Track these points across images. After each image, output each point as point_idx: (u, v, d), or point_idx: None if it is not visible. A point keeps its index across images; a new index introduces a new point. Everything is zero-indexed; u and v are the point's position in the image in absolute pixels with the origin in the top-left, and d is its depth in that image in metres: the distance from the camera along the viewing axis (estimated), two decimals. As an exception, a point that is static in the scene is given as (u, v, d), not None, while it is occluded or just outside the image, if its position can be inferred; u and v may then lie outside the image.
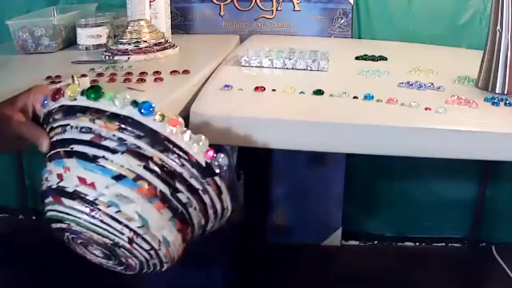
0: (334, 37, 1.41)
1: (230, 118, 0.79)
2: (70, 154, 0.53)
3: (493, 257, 1.52)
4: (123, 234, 0.52)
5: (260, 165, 0.94)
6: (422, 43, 1.36)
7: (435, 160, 0.82)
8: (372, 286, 1.46)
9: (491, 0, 0.90)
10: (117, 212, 0.51)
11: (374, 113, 0.81)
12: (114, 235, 0.52)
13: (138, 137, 0.52)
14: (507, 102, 0.84)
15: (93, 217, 0.51)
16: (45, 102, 0.57)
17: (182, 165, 0.53)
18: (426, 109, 0.81)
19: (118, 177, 0.51)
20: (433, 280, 1.46)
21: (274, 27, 1.43)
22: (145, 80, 0.94)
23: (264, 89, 0.90)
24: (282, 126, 0.79)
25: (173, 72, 0.99)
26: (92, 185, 0.51)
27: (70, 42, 1.27)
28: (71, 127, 0.54)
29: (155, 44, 1.13)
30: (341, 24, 1.40)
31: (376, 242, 1.62)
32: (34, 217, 1.68)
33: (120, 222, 0.51)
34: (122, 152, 0.51)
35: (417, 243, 1.62)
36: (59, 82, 0.89)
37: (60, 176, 0.54)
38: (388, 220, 1.59)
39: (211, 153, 0.55)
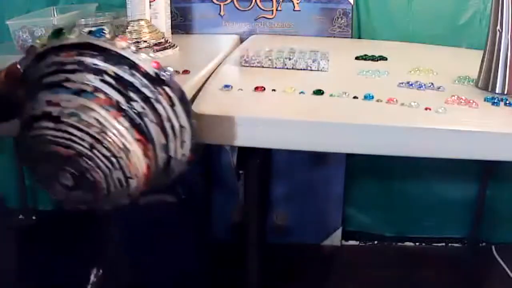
0: (334, 37, 1.41)
1: (230, 118, 0.79)
2: (41, 88, 0.60)
3: (493, 257, 1.52)
4: (84, 141, 0.57)
5: (260, 165, 0.94)
6: (422, 43, 1.35)
7: (435, 160, 0.82)
8: (372, 286, 1.46)
9: (491, 0, 0.90)
10: (78, 120, 0.57)
11: (374, 113, 0.81)
12: (76, 143, 0.57)
13: (93, 56, 0.59)
14: (507, 102, 0.84)
15: (59, 130, 0.57)
16: (22, 61, 0.65)
17: (133, 75, 0.59)
18: (426, 109, 0.81)
19: (79, 92, 0.58)
20: (433, 280, 1.46)
21: (274, 27, 1.43)
22: (145, 80, 0.94)
23: (264, 89, 0.90)
24: (282, 126, 0.79)
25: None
26: (57, 104, 0.58)
27: (70, 42, 1.27)
28: (40, 68, 0.61)
29: (155, 44, 1.13)
30: (341, 24, 1.40)
31: (376, 242, 1.62)
32: (34, 217, 1.68)
33: (81, 130, 0.57)
34: (81, 71, 0.59)
35: (417, 243, 1.62)
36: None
37: (32, 109, 0.60)
38: (388, 220, 1.59)
39: (155, 64, 0.62)
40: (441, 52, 1.28)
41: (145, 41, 1.11)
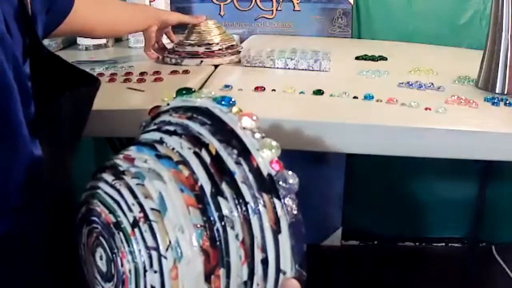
0: (334, 37, 1.41)
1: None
2: (133, 144, 0.49)
3: (493, 257, 1.53)
4: (131, 211, 0.42)
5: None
6: (422, 43, 1.36)
7: (435, 160, 0.82)
8: (372, 286, 1.46)
9: (491, 0, 0.90)
10: (137, 184, 0.43)
11: (374, 113, 0.81)
12: (122, 210, 0.43)
13: (203, 123, 0.46)
14: (507, 102, 0.84)
15: (113, 186, 0.44)
16: (143, 123, 0.53)
17: (238, 164, 0.43)
18: (426, 109, 0.81)
19: (161, 156, 0.45)
20: (433, 280, 1.46)
21: (274, 27, 1.43)
22: (145, 80, 0.94)
23: (264, 89, 0.90)
24: (282, 126, 0.79)
25: (173, 72, 0.99)
26: (132, 159, 0.45)
27: (70, 42, 1.27)
28: (148, 123, 0.51)
29: (227, 48, 1.08)
30: (341, 24, 1.40)
31: (376, 242, 1.62)
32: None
33: (135, 196, 0.43)
34: (181, 136, 0.45)
35: (417, 243, 1.62)
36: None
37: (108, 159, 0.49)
38: (388, 220, 1.59)
39: (277, 165, 0.45)
40: (441, 52, 1.28)
41: (217, 43, 1.06)
